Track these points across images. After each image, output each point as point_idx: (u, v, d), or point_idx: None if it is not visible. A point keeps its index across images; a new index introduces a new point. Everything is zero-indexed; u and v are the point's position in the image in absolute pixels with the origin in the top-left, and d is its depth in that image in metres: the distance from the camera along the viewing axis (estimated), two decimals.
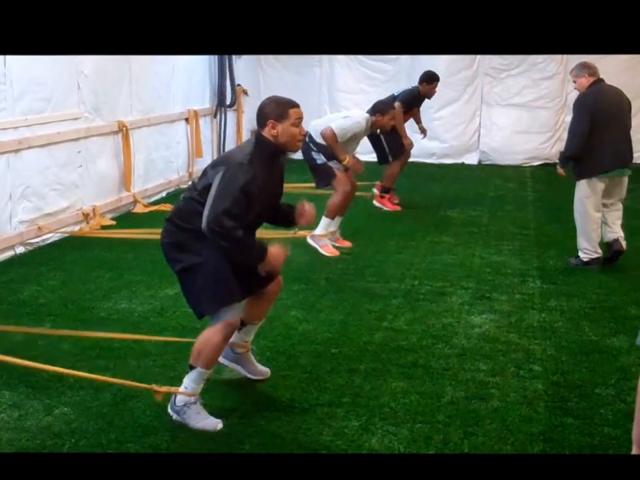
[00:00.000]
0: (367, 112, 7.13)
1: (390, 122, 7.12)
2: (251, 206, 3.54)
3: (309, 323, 5.06)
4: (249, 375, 4.12)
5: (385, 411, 3.83)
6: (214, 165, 3.69)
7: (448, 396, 4.02)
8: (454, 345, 4.72)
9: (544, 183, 10.36)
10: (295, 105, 3.69)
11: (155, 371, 4.20)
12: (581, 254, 6.36)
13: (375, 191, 8.85)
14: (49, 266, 6.30)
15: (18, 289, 5.68)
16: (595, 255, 6.31)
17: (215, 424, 3.65)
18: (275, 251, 3.64)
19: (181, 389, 3.69)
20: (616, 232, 6.34)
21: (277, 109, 3.64)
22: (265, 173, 3.61)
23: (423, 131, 9.25)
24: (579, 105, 6.23)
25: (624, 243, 6.36)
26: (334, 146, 6.56)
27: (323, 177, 6.78)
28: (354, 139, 6.88)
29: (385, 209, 8.73)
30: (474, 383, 4.18)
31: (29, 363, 4.13)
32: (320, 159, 6.66)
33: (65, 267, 6.30)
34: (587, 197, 6.22)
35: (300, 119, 3.68)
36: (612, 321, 5.14)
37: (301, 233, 6.35)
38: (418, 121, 9.23)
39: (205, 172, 3.68)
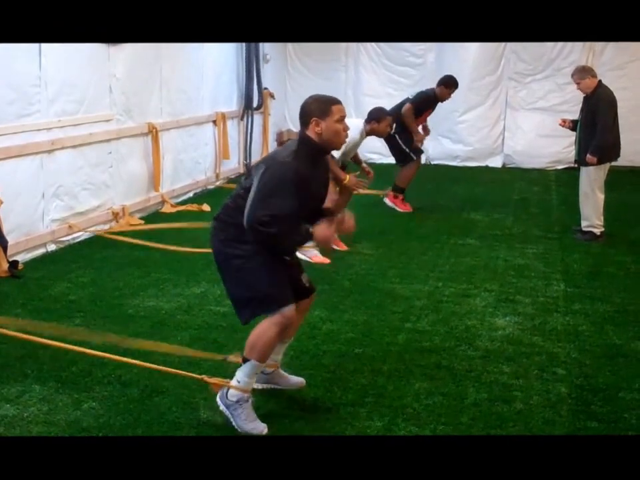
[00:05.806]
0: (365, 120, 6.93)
1: (386, 129, 7.00)
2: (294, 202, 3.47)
3: (333, 323, 5.10)
4: (285, 388, 4.08)
5: (408, 412, 3.86)
6: (258, 164, 3.66)
7: (471, 398, 4.04)
8: (477, 347, 4.74)
9: (568, 187, 10.27)
10: (337, 102, 3.63)
11: (180, 367, 4.24)
12: (593, 229, 7.35)
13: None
14: (79, 263, 6.42)
15: (49, 286, 5.79)
16: (603, 229, 7.38)
17: (262, 429, 3.61)
18: (321, 229, 3.55)
19: (233, 382, 3.65)
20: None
21: (320, 107, 3.59)
22: (308, 172, 3.55)
23: (424, 131, 8.94)
24: (609, 101, 7.11)
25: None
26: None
27: None
28: (351, 148, 6.72)
29: (398, 209, 8.68)
30: (497, 385, 4.20)
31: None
32: None
33: (95, 264, 6.41)
34: (595, 180, 7.22)
35: (343, 115, 3.63)
36: (636, 325, 5.14)
37: None
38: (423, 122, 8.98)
39: (249, 171, 3.67)
